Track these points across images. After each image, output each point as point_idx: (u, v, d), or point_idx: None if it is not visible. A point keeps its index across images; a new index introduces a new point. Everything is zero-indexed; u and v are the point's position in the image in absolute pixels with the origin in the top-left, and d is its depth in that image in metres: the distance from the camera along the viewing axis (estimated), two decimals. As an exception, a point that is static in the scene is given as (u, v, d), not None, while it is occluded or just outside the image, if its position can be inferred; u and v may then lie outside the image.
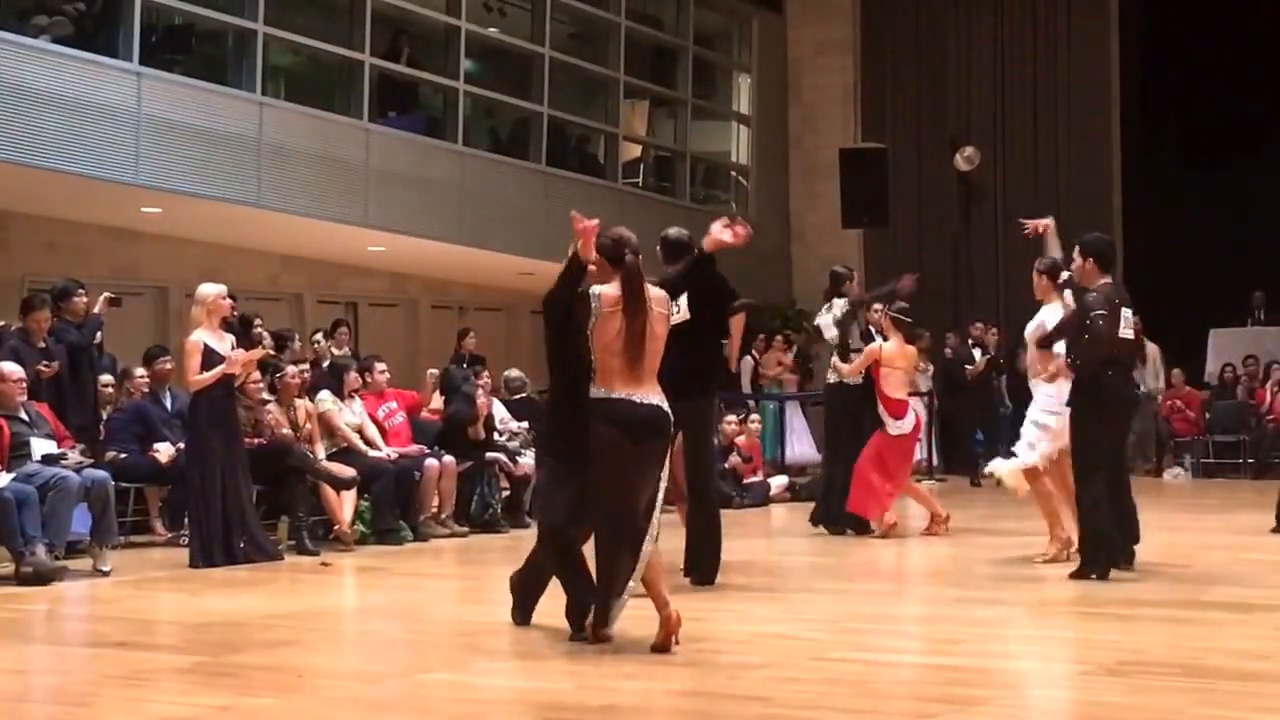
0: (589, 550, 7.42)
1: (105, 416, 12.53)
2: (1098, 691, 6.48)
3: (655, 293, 7.32)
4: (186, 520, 11.49)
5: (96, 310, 12.33)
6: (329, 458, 12.37)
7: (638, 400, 7.16)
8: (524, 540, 8.48)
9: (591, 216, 7.31)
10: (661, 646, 7.05)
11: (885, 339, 12.56)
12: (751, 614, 7.34)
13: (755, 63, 22.84)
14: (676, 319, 7.80)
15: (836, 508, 12.58)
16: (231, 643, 7.65)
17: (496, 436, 13.84)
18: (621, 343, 7.14)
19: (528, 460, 13.45)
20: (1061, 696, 6.50)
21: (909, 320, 12.64)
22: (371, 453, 12.58)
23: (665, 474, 7.27)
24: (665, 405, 7.24)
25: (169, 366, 12.70)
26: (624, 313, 7.14)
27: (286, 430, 12.12)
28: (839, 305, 12.89)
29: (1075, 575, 9.60)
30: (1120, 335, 9.59)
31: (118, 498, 11.00)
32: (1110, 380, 9.60)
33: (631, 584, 7.14)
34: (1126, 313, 9.67)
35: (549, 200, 17.40)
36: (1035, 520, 11.11)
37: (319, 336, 15.07)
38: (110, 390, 12.82)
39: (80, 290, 12.29)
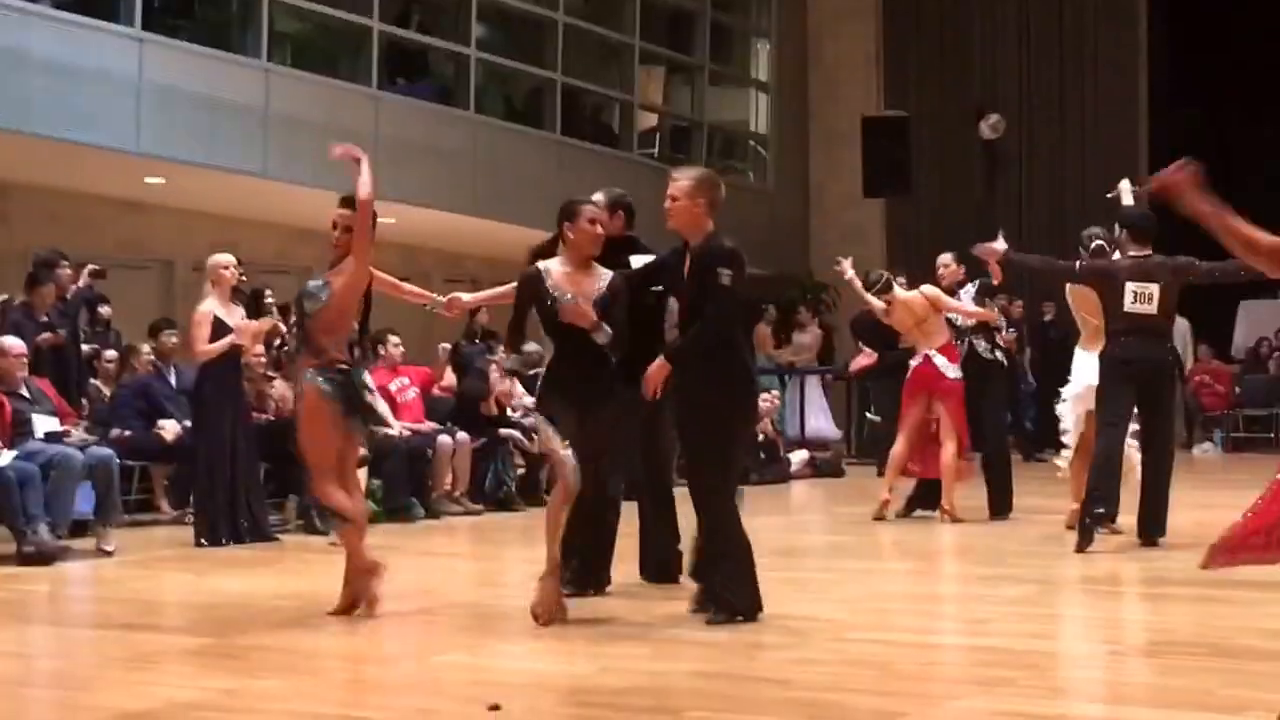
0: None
1: (109, 394, 12.34)
2: (1127, 672, 6.41)
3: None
4: (192, 499, 11.30)
5: (80, 284, 12.09)
6: (339, 434, 12.12)
7: None
8: (538, 518, 8.26)
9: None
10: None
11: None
12: (770, 594, 7.18)
13: (774, 28, 22.50)
14: None
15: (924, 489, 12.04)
16: (238, 624, 7.49)
17: (511, 413, 13.61)
18: None
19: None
20: (1090, 677, 6.37)
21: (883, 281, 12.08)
22: (382, 430, 12.33)
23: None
24: None
25: (174, 341, 12.48)
26: None
27: (293, 406, 11.89)
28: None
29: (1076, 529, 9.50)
30: (1129, 310, 9.62)
31: (122, 476, 10.84)
32: (1125, 343, 9.61)
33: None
34: (1147, 287, 9.64)
35: (563, 170, 17.13)
36: (1063, 499, 10.90)
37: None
38: (113, 366, 12.61)
39: (64, 261, 12.03)
